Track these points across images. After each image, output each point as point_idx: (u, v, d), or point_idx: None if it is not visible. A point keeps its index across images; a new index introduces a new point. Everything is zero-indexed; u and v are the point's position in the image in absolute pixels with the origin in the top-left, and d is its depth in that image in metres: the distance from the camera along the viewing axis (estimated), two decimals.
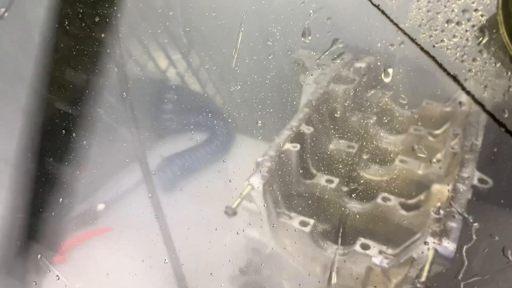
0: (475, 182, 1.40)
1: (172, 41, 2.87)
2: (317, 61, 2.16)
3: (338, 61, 2.09)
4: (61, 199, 1.94)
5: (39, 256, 1.90)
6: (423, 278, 1.12)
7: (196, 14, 2.69)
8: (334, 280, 1.54)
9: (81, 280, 2.19)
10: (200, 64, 2.97)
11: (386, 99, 2.08)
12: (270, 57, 2.53)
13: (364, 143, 1.96)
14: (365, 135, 2.00)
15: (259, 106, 2.86)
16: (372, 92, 2.12)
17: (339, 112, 1.98)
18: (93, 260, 2.29)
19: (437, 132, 1.88)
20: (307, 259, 1.56)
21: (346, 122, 2.03)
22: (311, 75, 2.02)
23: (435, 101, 1.99)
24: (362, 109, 2.13)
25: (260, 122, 2.25)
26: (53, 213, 1.94)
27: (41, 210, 1.94)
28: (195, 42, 2.87)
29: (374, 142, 2.01)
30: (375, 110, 2.09)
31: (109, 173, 2.72)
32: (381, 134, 2.00)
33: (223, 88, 3.00)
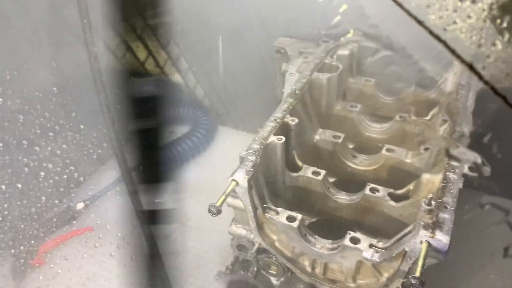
0: (466, 170, 1.36)
1: (150, 31, 2.77)
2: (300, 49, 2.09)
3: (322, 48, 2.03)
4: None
5: None
6: (417, 273, 1.07)
7: (174, 3, 2.59)
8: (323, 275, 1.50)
9: (60, 283, 2.11)
10: (180, 54, 2.87)
11: (370, 87, 2.03)
12: (251, 46, 2.45)
13: (350, 133, 1.91)
14: (351, 124, 1.95)
15: (242, 97, 2.79)
16: (356, 79, 2.07)
17: (323, 101, 1.92)
18: (73, 262, 2.21)
19: (424, 119, 1.84)
20: (295, 255, 1.51)
21: (331, 111, 1.97)
22: None
23: (420, 87, 1.95)
24: (347, 97, 2.08)
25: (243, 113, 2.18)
26: None
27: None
28: (174, 32, 2.77)
29: (360, 131, 1.96)
30: (359, 98, 2.04)
31: (88, 170, 2.62)
32: (367, 122, 1.96)
33: (204, 79, 2.91)
